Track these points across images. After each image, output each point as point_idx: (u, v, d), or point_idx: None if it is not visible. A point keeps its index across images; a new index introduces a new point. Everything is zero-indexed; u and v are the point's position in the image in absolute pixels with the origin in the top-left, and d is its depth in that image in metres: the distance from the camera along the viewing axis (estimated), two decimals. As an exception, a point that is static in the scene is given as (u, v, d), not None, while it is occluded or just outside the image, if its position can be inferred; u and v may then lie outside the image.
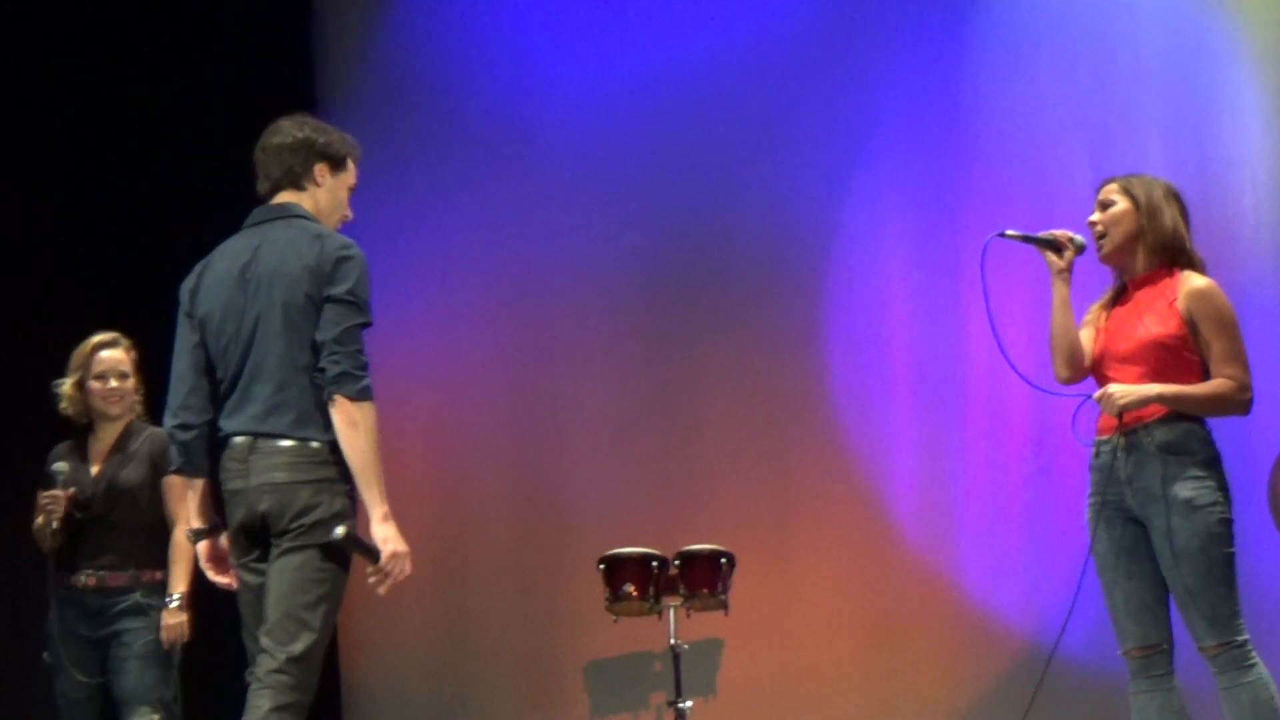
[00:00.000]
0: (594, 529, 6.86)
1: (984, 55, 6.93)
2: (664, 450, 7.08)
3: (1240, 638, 4.61)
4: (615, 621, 6.42)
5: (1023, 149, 6.80)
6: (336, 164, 4.53)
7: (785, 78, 7.08)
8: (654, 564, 6.30)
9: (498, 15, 7.43)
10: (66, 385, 5.77)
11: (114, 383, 5.71)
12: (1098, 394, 4.72)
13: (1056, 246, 4.81)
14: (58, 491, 5.62)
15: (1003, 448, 6.74)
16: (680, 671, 6.29)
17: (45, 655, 5.71)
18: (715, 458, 7.02)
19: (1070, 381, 4.87)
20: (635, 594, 6.27)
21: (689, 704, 6.25)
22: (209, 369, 4.48)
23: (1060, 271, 4.83)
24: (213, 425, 4.48)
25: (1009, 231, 4.85)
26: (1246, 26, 6.64)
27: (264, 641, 4.30)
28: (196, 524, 4.54)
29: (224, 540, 4.53)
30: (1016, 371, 4.92)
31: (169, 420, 4.52)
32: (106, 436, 5.77)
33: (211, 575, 4.60)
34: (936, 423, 6.84)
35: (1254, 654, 4.63)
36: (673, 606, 6.32)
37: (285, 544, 4.31)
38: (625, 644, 6.74)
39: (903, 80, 6.99)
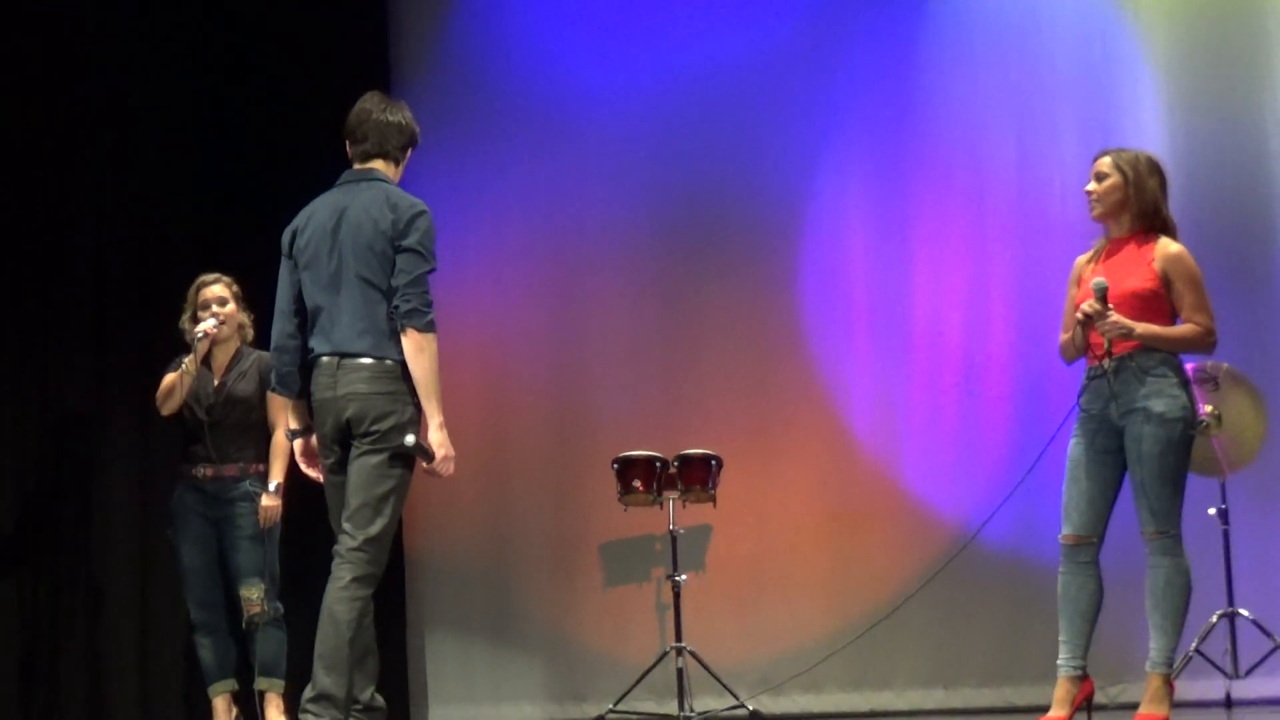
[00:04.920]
0: (610, 435, 7.00)
1: (929, 58, 7.17)
2: (669, 373, 7.23)
3: (1174, 530, 4.95)
4: (625, 510, 6.69)
5: (961, 134, 7.11)
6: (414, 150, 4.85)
7: (769, 77, 7.25)
8: (657, 464, 6.55)
9: (547, 18, 7.55)
10: (184, 320, 6.09)
11: (215, 308, 6.00)
12: (1105, 319, 4.89)
13: (1100, 317, 4.94)
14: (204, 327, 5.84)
15: (940, 375, 7.04)
16: (677, 551, 6.57)
17: (169, 532, 6.11)
18: (709, 379, 7.19)
19: (1071, 362, 5.16)
20: (641, 489, 6.54)
21: (684, 577, 6.57)
22: (300, 302, 4.67)
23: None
24: (305, 350, 4.66)
25: (1105, 364, 4.94)
26: (1146, 35, 6.95)
27: (345, 525, 4.53)
28: (294, 425, 4.82)
29: (314, 441, 4.76)
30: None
31: (274, 355, 4.76)
32: (221, 357, 6.07)
33: (304, 467, 4.89)
34: (887, 355, 7.08)
35: (1182, 547, 4.95)
36: (672, 499, 6.57)
37: (365, 446, 4.53)
38: (633, 529, 6.98)
39: (862, 79, 7.21)
